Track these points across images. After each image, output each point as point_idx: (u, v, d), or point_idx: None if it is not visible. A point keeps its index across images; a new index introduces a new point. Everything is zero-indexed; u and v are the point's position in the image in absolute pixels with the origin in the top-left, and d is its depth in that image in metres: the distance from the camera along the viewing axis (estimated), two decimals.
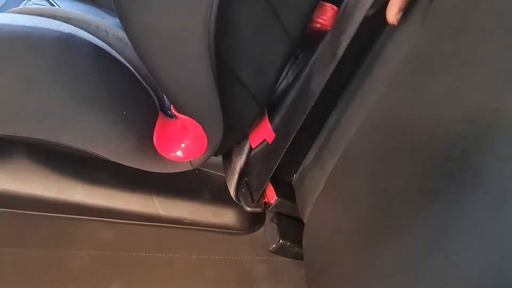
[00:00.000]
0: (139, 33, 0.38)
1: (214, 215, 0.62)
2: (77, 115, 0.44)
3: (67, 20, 0.49)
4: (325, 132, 0.45)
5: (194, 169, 0.55)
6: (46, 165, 0.58)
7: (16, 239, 0.58)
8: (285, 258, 0.59)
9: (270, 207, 0.55)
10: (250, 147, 0.58)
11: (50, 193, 0.58)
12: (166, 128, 0.52)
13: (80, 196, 0.59)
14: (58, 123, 0.45)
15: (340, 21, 0.46)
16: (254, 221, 0.65)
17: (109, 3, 0.91)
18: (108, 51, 0.45)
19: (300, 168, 0.53)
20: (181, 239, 0.61)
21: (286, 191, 0.55)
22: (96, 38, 0.44)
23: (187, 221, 0.62)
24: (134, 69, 0.49)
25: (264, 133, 0.55)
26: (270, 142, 0.54)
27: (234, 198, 0.58)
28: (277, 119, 0.54)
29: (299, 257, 0.56)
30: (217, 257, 0.60)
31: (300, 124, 0.46)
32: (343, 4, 0.46)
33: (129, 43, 0.51)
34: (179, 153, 0.51)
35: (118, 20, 0.84)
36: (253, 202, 0.56)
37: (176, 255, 0.60)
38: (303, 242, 0.49)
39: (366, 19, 0.38)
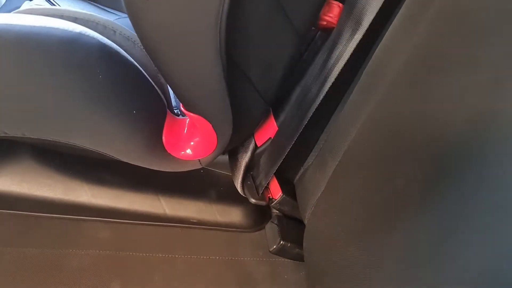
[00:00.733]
0: (150, 32, 0.38)
1: (221, 214, 0.63)
2: (87, 115, 0.44)
3: (74, 19, 0.49)
4: (326, 134, 0.45)
5: (200, 169, 0.55)
6: (52, 166, 0.59)
7: (15, 239, 0.59)
8: (286, 259, 0.60)
9: (274, 203, 0.55)
10: (256, 145, 0.58)
11: (56, 194, 0.58)
12: (175, 126, 0.52)
13: (87, 197, 0.59)
14: (68, 123, 0.45)
15: (346, 18, 0.46)
16: (260, 219, 0.65)
17: (107, 2, 0.91)
18: (117, 50, 0.44)
19: (302, 170, 0.53)
20: (181, 239, 0.62)
21: (291, 189, 0.55)
22: (104, 38, 0.44)
23: (194, 221, 0.62)
24: (142, 67, 0.49)
25: (269, 130, 0.56)
26: (272, 137, 0.55)
27: (240, 191, 0.58)
28: (282, 116, 0.55)
29: (299, 258, 0.56)
30: (217, 257, 0.61)
31: (305, 122, 0.47)
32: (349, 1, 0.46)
33: (137, 41, 0.51)
34: (188, 151, 0.52)
35: (118, 19, 0.84)
36: (258, 195, 0.57)
37: (176, 256, 0.60)
38: (304, 243, 0.50)
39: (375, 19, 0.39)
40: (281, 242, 0.55)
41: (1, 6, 0.85)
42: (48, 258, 0.58)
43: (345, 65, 0.43)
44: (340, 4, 0.49)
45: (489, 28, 0.25)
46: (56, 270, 0.57)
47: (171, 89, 0.45)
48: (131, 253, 0.60)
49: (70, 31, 0.41)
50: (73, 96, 0.43)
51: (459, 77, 0.26)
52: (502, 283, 0.23)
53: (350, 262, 0.38)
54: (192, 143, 0.51)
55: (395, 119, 0.32)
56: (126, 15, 0.88)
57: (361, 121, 0.36)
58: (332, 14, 0.50)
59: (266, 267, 0.61)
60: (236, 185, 0.59)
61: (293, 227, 0.58)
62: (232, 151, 0.61)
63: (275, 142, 0.54)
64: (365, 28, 0.41)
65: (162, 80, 0.54)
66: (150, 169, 0.53)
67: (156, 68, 0.42)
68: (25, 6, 0.78)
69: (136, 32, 0.39)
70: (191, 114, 0.45)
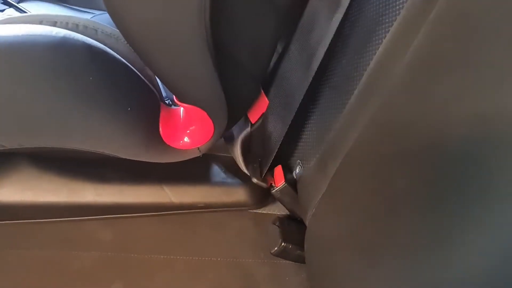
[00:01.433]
0: (134, 30, 0.38)
1: (226, 195, 0.64)
2: (82, 118, 0.44)
3: (53, 23, 0.49)
4: (327, 136, 0.45)
5: None
6: (53, 171, 0.59)
7: (17, 241, 0.59)
8: (287, 261, 0.60)
9: (275, 190, 0.56)
10: (250, 122, 0.58)
11: (60, 198, 0.59)
12: (170, 118, 0.52)
13: (92, 197, 0.59)
14: (64, 128, 0.46)
15: None
16: (265, 196, 0.66)
17: (76, 2, 0.89)
18: (103, 49, 0.45)
19: (302, 171, 0.53)
20: (183, 241, 0.62)
21: (294, 181, 0.56)
22: (89, 38, 0.43)
23: (201, 205, 0.63)
24: (128, 62, 0.49)
25: (261, 106, 0.57)
26: (264, 111, 0.55)
27: (243, 169, 0.59)
28: (271, 89, 0.55)
29: (301, 260, 0.56)
30: (218, 259, 0.61)
31: (298, 103, 0.47)
32: None
33: (119, 37, 0.51)
34: (186, 140, 0.52)
35: (94, 17, 0.82)
36: (261, 176, 0.57)
37: (178, 257, 0.60)
38: (305, 245, 0.50)
39: None
40: (283, 244, 0.55)
41: None
42: (49, 260, 0.58)
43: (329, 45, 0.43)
44: None
45: (490, 30, 0.25)
46: (57, 272, 0.57)
47: (162, 82, 0.46)
48: (132, 255, 0.60)
49: (54, 36, 0.41)
50: (65, 101, 0.43)
51: (460, 80, 0.27)
52: (503, 283, 0.23)
53: (352, 264, 0.38)
54: (189, 131, 0.52)
55: (396, 122, 0.33)
56: (100, 12, 0.87)
57: (362, 124, 0.37)
58: None
59: (268, 269, 0.61)
60: (238, 163, 0.60)
61: (294, 229, 0.59)
62: (228, 132, 0.61)
63: (269, 122, 0.55)
64: (345, 7, 0.41)
65: (150, 72, 0.54)
66: None
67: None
68: None
69: (120, 30, 0.39)
70: (185, 104, 0.46)
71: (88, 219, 0.61)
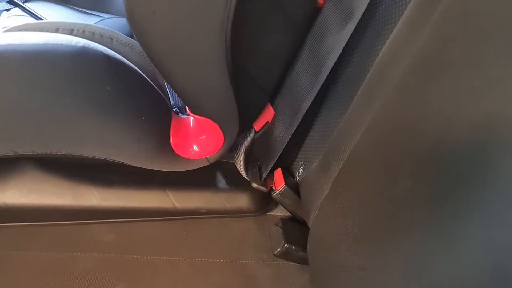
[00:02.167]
0: (156, 44, 0.39)
1: (228, 201, 0.64)
2: (98, 127, 0.45)
3: (70, 32, 0.49)
4: (330, 137, 0.46)
5: None
6: (58, 174, 0.59)
7: (20, 242, 0.59)
8: (290, 262, 0.61)
9: (275, 193, 0.57)
10: (254, 130, 0.60)
11: (65, 201, 0.59)
12: (180, 127, 0.53)
13: (96, 201, 0.60)
14: (79, 136, 0.46)
15: (333, 4, 0.46)
16: (266, 202, 0.67)
17: (82, 3, 0.89)
18: (120, 59, 0.45)
19: (305, 172, 0.54)
20: (186, 242, 0.63)
21: (295, 184, 0.56)
22: (107, 48, 0.44)
23: (203, 211, 0.64)
24: (141, 71, 0.49)
25: (266, 115, 0.58)
26: (270, 120, 0.56)
27: (244, 175, 0.60)
28: (278, 98, 0.56)
29: (303, 261, 0.57)
30: (221, 260, 0.61)
31: (303, 112, 0.48)
32: None
33: (134, 46, 0.52)
34: (196, 150, 0.53)
35: (102, 20, 0.82)
36: (260, 181, 0.58)
37: (181, 258, 0.61)
38: (308, 247, 0.51)
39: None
40: (285, 245, 0.56)
41: None
42: (52, 261, 0.58)
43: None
44: None
45: (493, 30, 0.25)
46: (60, 273, 0.57)
47: (177, 94, 0.46)
48: (135, 256, 0.60)
49: (74, 46, 0.42)
50: (82, 110, 0.44)
51: (463, 80, 0.27)
52: (505, 284, 0.24)
53: (354, 266, 0.39)
54: (199, 141, 0.53)
55: (399, 123, 0.33)
56: (108, 16, 0.87)
57: (365, 125, 0.36)
58: None
59: (270, 270, 0.61)
60: (239, 169, 0.61)
61: (297, 230, 0.59)
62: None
63: (275, 128, 0.56)
64: (358, 18, 0.42)
65: (161, 81, 0.55)
66: None
67: (156, 70, 0.42)
68: (3, 17, 0.76)
69: (141, 43, 0.40)
70: (198, 116, 0.47)
71: (92, 223, 0.61)
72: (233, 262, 0.61)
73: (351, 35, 0.43)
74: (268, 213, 0.68)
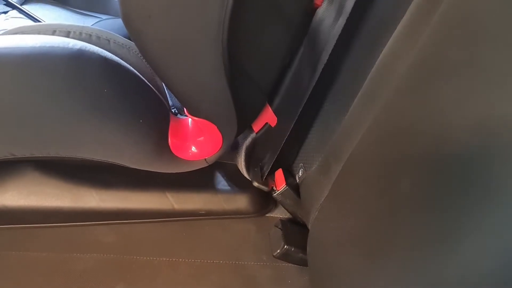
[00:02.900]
0: (153, 47, 0.39)
1: (227, 202, 0.65)
2: (96, 130, 0.46)
3: (67, 34, 0.49)
4: (330, 138, 0.45)
5: None
6: (57, 176, 0.59)
7: (20, 243, 0.59)
8: (289, 264, 0.61)
9: (276, 193, 0.57)
10: (253, 131, 0.60)
11: (65, 203, 0.59)
12: (179, 129, 0.54)
13: (95, 202, 0.60)
14: (77, 139, 0.47)
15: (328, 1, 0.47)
16: (265, 203, 0.67)
17: (80, 5, 0.89)
18: (118, 61, 0.45)
19: (305, 174, 0.54)
20: (185, 243, 0.63)
21: (296, 184, 0.57)
22: (104, 50, 0.44)
23: (202, 212, 0.64)
24: (139, 72, 0.49)
25: (265, 116, 0.58)
26: (272, 126, 0.56)
27: (245, 175, 0.60)
28: (276, 100, 0.57)
29: (303, 263, 0.58)
30: (221, 261, 0.61)
31: (300, 107, 0.48)
32: None
33: (131, 48, 0.52)
34: (194, 151, 0.53)
35: (100, 21, 0.82)
36: (262, 180, 0.59)
37: (180, 260, 0.61)
38: (308, 248, 0.51)
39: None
40: (285, 247, 0.56)
41: None
42: (52, 262, 0.58)
43: (332, 51, 0.44)
44: None
45: (494, 32, 0.25)
46: (60, 274, 0.58)
47: (175, 96, 0.47)
48: (135, 257, 0.60)
49: (71, 48, 0.42)
50: (80, 113, 0.44)
51: (463, 82, 0.27)
52: (505, 286, 0.24)
53: (354, 267, 0.39)
54: (197, 143, 0.53)
55: (399, 124, 0.33)
56: (106, 17, 0.86)
57: (365, 126, 0.37)
58: None
59: (270, 271, 0.61)
60: (240, 169, 0.61)
61: (297, 231, 0.60)
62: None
63: (274, 128, 0.56)
64: (348, 13, 0.42)
65: (159, 82, 0.55)
66: None
67: (153, 72, 0.42)
68: (1, 19, 0.76)
69: (138, 46, 0.40)
70: (196, 118, 0.47)
71: (92, 224, 0.61)
72: (232, 264, 0.62)
73: (351, 36, 0.44)
74: (267, 215, 0.68)
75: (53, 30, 0.49)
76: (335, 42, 0.44)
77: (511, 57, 0.24)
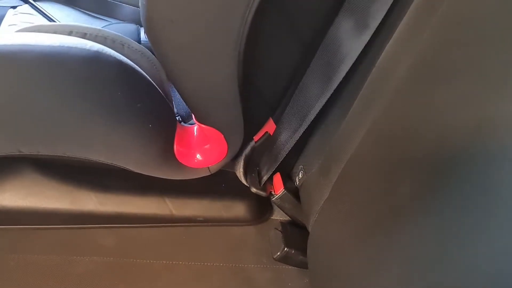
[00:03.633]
0: (171, 53, 0.40)
1: (225, 210, 0.65)
2: (107, 132, 0.46)
3: (83, 35, 0.50)
4: (330, 141, 0.46)
5: None
6: (56, 178, 0.59)
7: (20, 246, 0.59)
8: (290, 267, 0.61)
9: (275, 198, 0.57)
10: (253, 139, 0.61)
11: (63, 205, 0.59)
12: (184, 136, 0.54)
13: (94, 205, 0.60)
14: (87, 140, 0.47)
15: (346, 17, 0.46)
16: (263, 211, 0.68)
17: (89, 7, 0.89)
18: (132, 66, 0.46)
19: (305, 176, 0.54)
20: (185, 246, 0.63)
21: (294, 188, 0.57)
22: (120, 55, 0.45)
23: (200, 219, 0.64)
24: (150, 77, 0.50)
25: (265, 126, 0.58)
26: (271, 134, 0.57)
27: (243, 181, 0.61)
28: (278, 110, 0.57)
29: (303, 265, 0.58)
30: (221, 264, 0.62)
31: (308, 122, 0.48)
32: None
33: (144, 53, 0.53)
34: (199, 158, 0.54)
35: (109, 25, 0.83)
36: (260, 185, 0.59)
37: (180, 262, 0.61)
38: (308, 250, 0.51)
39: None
40: (285, 249, 0.56)
41: None
42: (52, 264, 0.58)
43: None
44: None
45: (493, 34, 0.25)
46: (60, 276, 0.57)
47: (186, 102, 0.47)
48: (134, 260, 0.60)
49: (89, 50, 0.43)
50: (93, 114, 0.45)
51: (463, 84, 0.27)
52: (507, 285, 0.24)
53: (354, 270, 0.39)
54: (202, 151, 0.53)
55: (399, 126, 0.33)
56: (116, 21, 0.87)
57: (365, 128, 0.37)
58: None
59: (270, 274, 0.61)
60: (238, 176, 0.61)
61: (297, 234, 0.60)
62: None
63: (278, 136, 0.56)
64: (373, 30, 0.42)
65: (167, 89, 0.56)
66: None
67: (163, 78, 0.42)
68: (10, 14, 0.76)
69: (156, 50, 0.40)
70: (203, 125, 0.47)
71: (91, 227, 0.61)
72: (232, 266, 0.62)
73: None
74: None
75: (69, 31, 0.49)
76: (357, 56, 0.43)
77: (511, 59, 0.24)
